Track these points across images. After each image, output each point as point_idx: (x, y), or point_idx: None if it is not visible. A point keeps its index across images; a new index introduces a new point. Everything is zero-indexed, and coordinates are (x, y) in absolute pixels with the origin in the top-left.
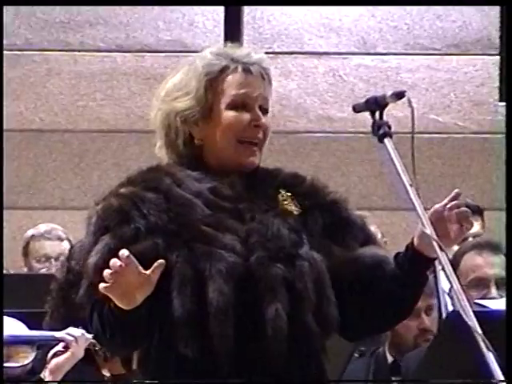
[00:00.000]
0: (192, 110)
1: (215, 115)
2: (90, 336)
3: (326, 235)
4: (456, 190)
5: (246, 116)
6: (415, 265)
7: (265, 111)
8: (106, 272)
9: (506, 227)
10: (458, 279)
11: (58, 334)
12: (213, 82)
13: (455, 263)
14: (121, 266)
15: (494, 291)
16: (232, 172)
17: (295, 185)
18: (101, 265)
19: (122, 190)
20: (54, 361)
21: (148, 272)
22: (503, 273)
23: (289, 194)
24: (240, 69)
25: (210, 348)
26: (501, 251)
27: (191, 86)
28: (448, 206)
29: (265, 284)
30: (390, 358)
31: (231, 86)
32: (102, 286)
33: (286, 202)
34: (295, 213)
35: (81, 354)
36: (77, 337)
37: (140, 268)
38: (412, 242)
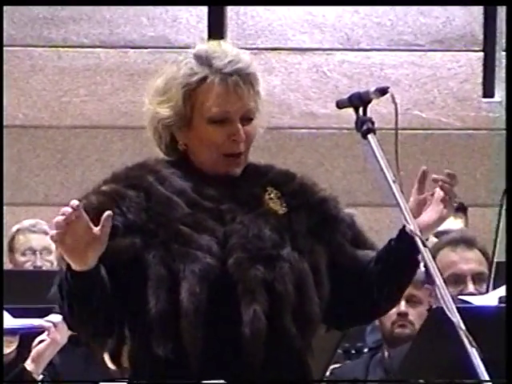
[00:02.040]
0: (172, 119)
1: (195, 127)
2: None
3: (311, 235)
4: (423, 168)
5: (225, 131)
6: (409, 246)
7: (248, 120)
8: (57, 219)
9: (506, 227)
10: (428, 272)
11: (36, 322)
12: (191, 93)
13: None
14: (72, 212)
15: (470, 287)
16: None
17: (283, 183)
18: None
19: (104, 188)
20: (36, 349)
21: (97, 228)
22: (479, 268)
23: (276, 192)
24: (218, 80)
25: (181, 349)
26: (475, 246)
27: (171, 94)
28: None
29: (243, 286)
30: (386, 354)
31: (209, 100)
32: (52, 233)
33: (271, 202)
34: (280, 212)
35: (62, 340)
36: (55, 323)
37: (90, 223)
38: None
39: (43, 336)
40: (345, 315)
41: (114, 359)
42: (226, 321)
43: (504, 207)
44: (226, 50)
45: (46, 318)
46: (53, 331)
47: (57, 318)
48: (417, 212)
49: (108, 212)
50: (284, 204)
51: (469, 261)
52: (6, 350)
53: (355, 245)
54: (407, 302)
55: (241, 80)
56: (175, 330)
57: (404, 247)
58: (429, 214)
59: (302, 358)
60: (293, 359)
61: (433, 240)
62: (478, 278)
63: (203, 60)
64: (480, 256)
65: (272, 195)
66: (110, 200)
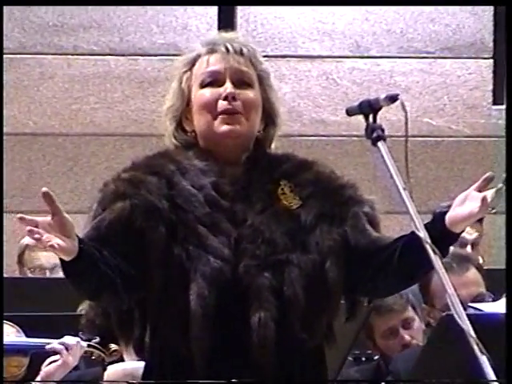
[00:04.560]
0: (175, 105)
1: (192, 101)
2: (84, 344)
3: (324, 219)
4: (489, 174)
5: (216, 91)
6: (442, 238)
7: (243, 83)
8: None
9: (506, 230)
10: (425, 297)
11: (49, 344)
12: (186, 72)
13: (426, 284)
14: (31, 230)
15: (471, 310)
16: (231, 160)
17: (297, 174)
18: (91, 236)
19: (123, 175)
20: (45, 369)
21: (51, 219)
22: (478, 289)
23: (289, 185)
24: (205, 51)
25: (190, 349)
26: (471, 263)
27: (175, 81)
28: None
29: (252, 292)
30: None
31: (198, 70)
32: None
33: (284, 197)
34: (294, 207)
35: (74, 362)
36: (68, 346)
37: (46, 219)
38: (443, 218)
39: (55, 357)
40: (366, 289)
41: (137, 351)
42: (235, 326)
43: None
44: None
45: (60, 341)
46: (65, 354)
47: (71, 340)
48: (460, 204)
49: (44, 189)
50: (297, 197)
51: (467, 285)
52: (15, 372)
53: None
54: (404, 328)
55: (230, 46)
56: (187, 331)
57: (434, 235)
58: (462, 208)
59: (316, 357)
60: (305, 361)
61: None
62: (477, 300)
63: (201, 43)
64: (477, 275)
65: (285, 189)
66: (128, 184)
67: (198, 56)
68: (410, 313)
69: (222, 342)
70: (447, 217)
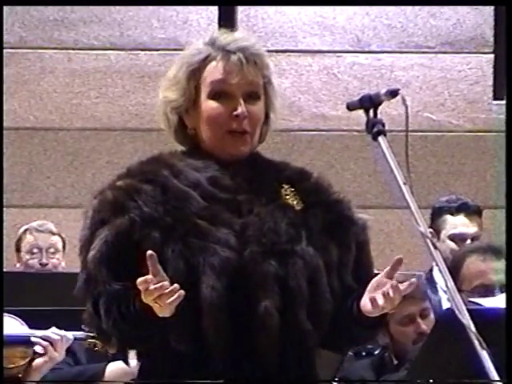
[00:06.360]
0: (179, 101)
1: (199, 105)
2: (71, 337)
3: (326, 232)
4: (399, 257)
5: (226, 106)
6: (362, 320)
7: (252, 96)
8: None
9: (506, 227)
10: (454, 279)
11: (33, 338)
12: (195, 71)
13: (457, 266)
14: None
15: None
16: (233, 160)
17: (299, 181)
18: (99, 258)
19: (119, 183)
20: (34, 362)
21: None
22: None
23: (292, 189)
24: (220, 57)
25: (204, 343)
26: (502, 255)
27: (178, 76)
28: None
29: (257, 280)
30: (395, 361)
31: (210, 74)
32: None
33: (287, 197)
34: (297, 207)
35: (60, 356)
36: (53, 341)
37: (154, 279)
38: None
39: (38, 347)
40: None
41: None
42: (243, 314)
43: None
44: (233, 33)
45: (45, 334)
46: (50, 350)
47: (55, 334)
48: (372, 292)
49: (150, 252)
50: (299, 201)
51: (497, 271)
52: (20, 362)
53: (359, 252)
54: (421, 317)
55: (244, 57)
56: (195, 325)
57: (356, 316)
58: (363, 299)
59: (312, 355)
60: (304, 356)
61: (448, 243)
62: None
63: (208, 40)
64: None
65: (288, 192)
66: (125, 194)
67: (211, 58)
68: (428, 304)
69: (234, 331)
70: (360, 303)
